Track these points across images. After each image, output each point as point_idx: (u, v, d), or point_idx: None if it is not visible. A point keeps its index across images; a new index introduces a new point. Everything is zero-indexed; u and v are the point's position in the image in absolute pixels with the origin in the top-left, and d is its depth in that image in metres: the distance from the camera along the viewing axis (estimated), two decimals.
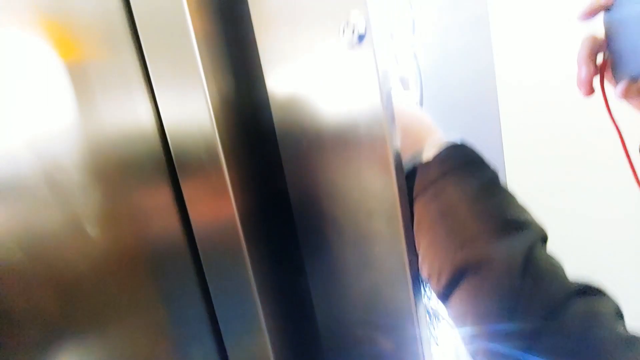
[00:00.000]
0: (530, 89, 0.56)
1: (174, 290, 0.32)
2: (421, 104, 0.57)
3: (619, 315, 0.25)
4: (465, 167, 0.31)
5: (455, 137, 0.34)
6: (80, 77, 0.26)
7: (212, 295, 0.34)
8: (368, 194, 0.31)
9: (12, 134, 0.21)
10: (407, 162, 0.33)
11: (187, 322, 0.34)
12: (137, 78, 0.30)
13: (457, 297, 0.28)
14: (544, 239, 0.28)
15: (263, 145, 0.35)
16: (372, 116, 0.28)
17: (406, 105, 0.37)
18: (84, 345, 0.24)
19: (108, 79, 0.28)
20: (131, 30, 0.29)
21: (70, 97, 0.25)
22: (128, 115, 0.29)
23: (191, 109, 0.29)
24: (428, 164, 0.32)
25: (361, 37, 0.26)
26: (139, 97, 0.30)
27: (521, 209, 0.29)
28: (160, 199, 0.32)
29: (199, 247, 0.33)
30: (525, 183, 0.59)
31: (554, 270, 0.26)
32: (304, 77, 0.31)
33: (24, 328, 0.21)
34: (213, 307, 0.34)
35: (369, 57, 0.27)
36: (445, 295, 0.29)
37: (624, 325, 0.24)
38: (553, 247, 0.28)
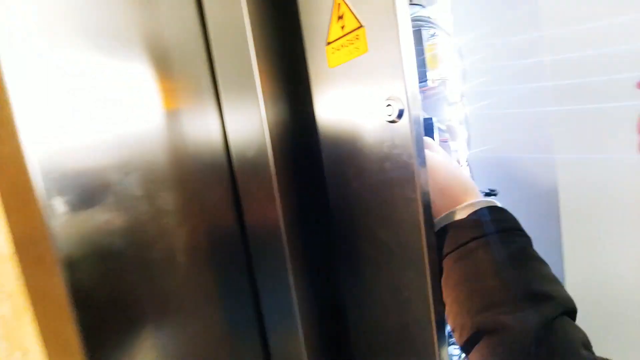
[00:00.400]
0: (585, 137, 0.54)
1: (227, 274, 0.39)
2: (469, 148, 0.58)
3: None
4: (497, 233, 0.32)
5: (491, 200, 0.35)
6: (172, 107, 0.34)
7: (257, 280, 0.40)
8: (400, 243, 0.35)
9: (126, 143, 0.29)
10: (441, 219, 0.35)
11: (236, 305, 0.40)
12: (211, 102, 0.38)
13: (476, 354, 0.30)
14: (569, 311, 0.29)
15: (310, 166, 0.40)
16: (406, 179, 0.31)
17: (447, 164, 0.38)
18: (163, 317, 0.31)
19: (191, 104, 0.36)
20: (210, 71, 0.38)
21: (163, 116, 0.33)
22: (203, 131, 0.38)
23: (251, 128, 0.37)
24: (462, 223, 0.34)
25: (401, 112, 0.30)
26: (212, 117, 0.39)
27: (547, 281, 0.30)
28: (222, 198, 0.39)
29: (249, 239, 0.40)
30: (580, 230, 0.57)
31: (572, 346, 0.26)
32: (350, 124, 0.36)
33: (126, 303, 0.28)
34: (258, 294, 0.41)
35: (406, 127, 0.30)
36: (466, 350, 0.31)
37: None
38: None
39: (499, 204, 0.36)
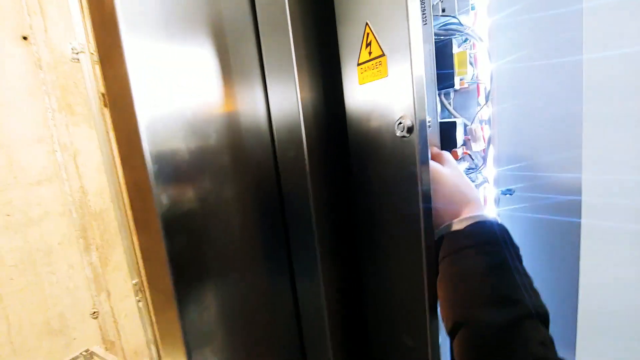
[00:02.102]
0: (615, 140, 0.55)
1: (266, 229, 0.49)
2: (488, 145, 0.62)
3: None
4: (485, 245, 0.38)
5: (487, 215, 0.41)
6: (230, 87, 0.43)
7: (291, 247, 0.50)
8: (405, 232, 0.42)
9: (192, 112, 0.39)
10: (443, 228, 0.42)
11: (274, 261, 0.50)
12: (259, 84, 0.46)
13: (455, 342, 0.36)
14: (536, 315, 0.34)
15: (339, 162, 0.48)
16: (411, 183, 0.39)
17: (455, 179, 0.44)
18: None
19: (244, 85, 0.45)
20: (259, 60, 0.46)
21: (222, 93, 0.42)
22: (252, 105, 0.46)
23: (288, 104, 0.44)
24: (458, 233, 0.40)
25: (410, 130, 0.37)
26: (259, 94, 0.47)
27: (518, 289, 0.35)
28: (264, 158, 0.47)
29: (284, 201, 0.49)
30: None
31: (528, 343, 0.31)
32: (373, 131, 0.43)
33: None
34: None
35: (413, 142, 0.37)
36: (450, 338, 0.38)
37: None
38: None
39: (494, 219, 0.41)
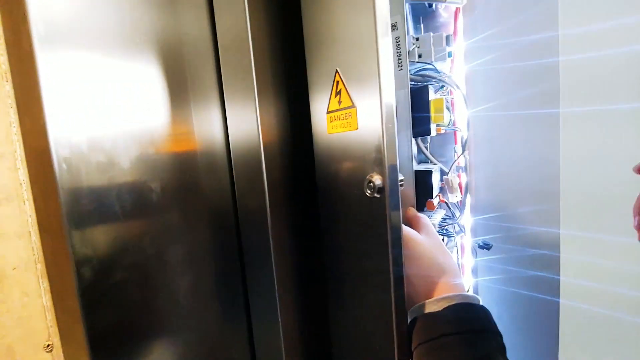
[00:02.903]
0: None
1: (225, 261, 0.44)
2: (465, 194, 0.60)
3: None
4: (466, 334, 0.33)
5: (467, 295, 0.37)
6: (186, 106, 0.40)
7: (244, 252, 0.45)
8: (373, 300, 0.38)
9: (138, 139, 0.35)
10: (418, 308, 0.37)
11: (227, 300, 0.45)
12: (216, 106, 0.43)
13: None
14: None
15: (304, 197, 0.44)
16: (380, 250, 0.35)
17: (430, 250, 0.40)
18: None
19: (202, 106, 0.41)
20: (218, 84, 0.42)
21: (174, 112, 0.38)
22: (209, 127, 0.42)
23: (247, 127, 0.40)
24: (435, 316, 0.35)
25: (380, 190, 0.34)
26: (216, 116, 0.43)
27: None
28: (221, 183, 0.43)
29: (240, 228, 0.44)
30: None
31: None
32: (341, 185, 0.40)
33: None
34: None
35: (383, 203, 0.34)
36: None
37: None
38: None
39: (475, 298, 0.37)
